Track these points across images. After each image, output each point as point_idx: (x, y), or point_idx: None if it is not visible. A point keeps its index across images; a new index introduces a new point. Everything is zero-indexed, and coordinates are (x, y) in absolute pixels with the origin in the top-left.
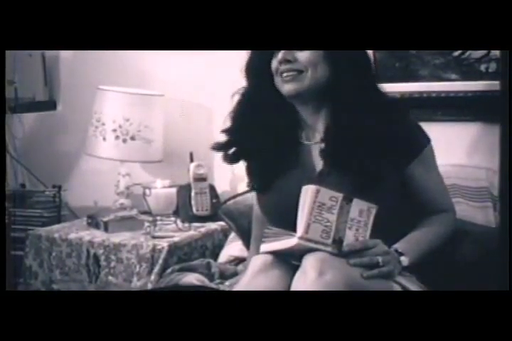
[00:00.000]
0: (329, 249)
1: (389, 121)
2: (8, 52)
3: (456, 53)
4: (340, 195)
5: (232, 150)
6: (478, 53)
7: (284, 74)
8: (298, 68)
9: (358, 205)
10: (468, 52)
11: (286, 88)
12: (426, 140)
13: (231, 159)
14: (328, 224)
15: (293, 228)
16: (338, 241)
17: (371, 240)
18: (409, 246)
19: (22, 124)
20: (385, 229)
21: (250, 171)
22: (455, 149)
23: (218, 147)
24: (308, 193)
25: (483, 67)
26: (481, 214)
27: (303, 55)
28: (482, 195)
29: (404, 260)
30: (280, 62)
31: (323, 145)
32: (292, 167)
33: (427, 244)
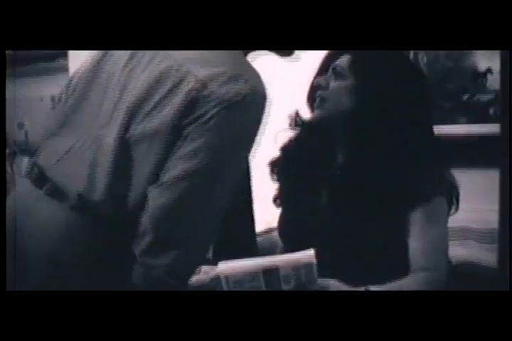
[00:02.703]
0: None
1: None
2: (17, 96)
3: (465, 97)
4: (259, 271)
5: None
6: (487, 97)
7: (316, 100)
8: (324, 96)
9: (288, 266)
10: (476, 96)
11: (313, 113)
12: (441, 190)
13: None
14: (256, 288)
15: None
16: None
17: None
18: None
19: None
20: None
21: (280, 189)
22: (467, 192)
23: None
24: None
25: (491, 111)
26: (488, 255)
27: (333, 84)
28: (490, 237)
29: None
30: (316, 88)
31: (336, 176)
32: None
33: None
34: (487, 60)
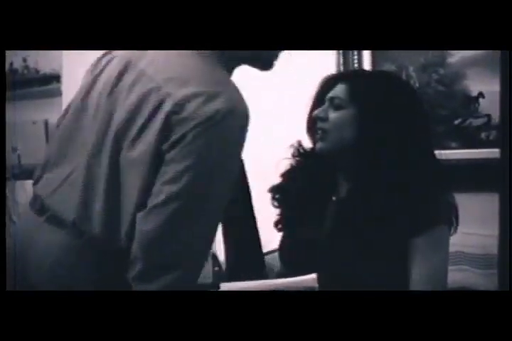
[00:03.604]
0: None
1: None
2: (11, 120)
3: (457, 121)
4: None
5: (279, 196)
6: (479, 121)
7: (317, 132)
8: (325, 127)
9: (290, 289)
10: (468, 121)
11: (316, 146)
12: (444, 219)
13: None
14: None
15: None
16: None
17: None
18: None
19: (25, 190)
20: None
21: (281, 215)
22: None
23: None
24: None
25: (483, 135)
26: (487, 281)
27: (333, 115)
28: (489, 263)
29: None
30: (315, 119)
31: (338, 203)
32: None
33: None
34: (479, 84)
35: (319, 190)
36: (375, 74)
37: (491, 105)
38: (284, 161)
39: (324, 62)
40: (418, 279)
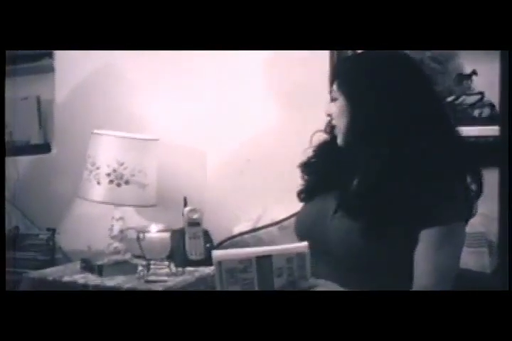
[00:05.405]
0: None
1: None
2: (3, 96)
3: (450, 99)
4: (253, 257)
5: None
6: (472, 99)
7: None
8: (332, 122)
9: (281, 256)
10: (462, 98)
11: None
12: (460, 216)
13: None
14: (248, 281)
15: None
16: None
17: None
18: None
19: (16, 167)
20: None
21: (306, 185)
22: None
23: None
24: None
25: (476, 113)
26: (476, 259)
27: (333, 109)
28: (478, 241)
29: None
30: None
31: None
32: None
33: None
34: (472, 62)
35: (343, 169)
36: (368, 56)
37: (484, 82)
38: (317, 135)
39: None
40: (422, 272)
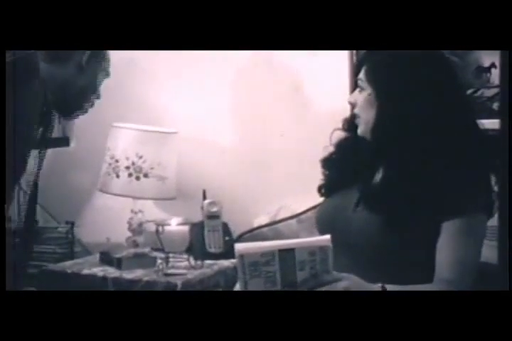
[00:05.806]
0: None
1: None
2: (4, 96)
3: (469, 92)
4: (275, 250)
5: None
6: (491, 91)
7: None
8: (356, 112)
9: (304, 250)
10: (480, 91)
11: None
12: (481, 207)
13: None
14: (270, 274)
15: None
16: (289, 285)
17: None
18: None
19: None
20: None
21: (326, 180)
22: None
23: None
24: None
25: (495, 106)
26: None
27: (359, 98)
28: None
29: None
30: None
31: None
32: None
33: None
34: (491, 55)
35: (364, 162)
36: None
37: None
38: (336, 132)
39: None
40: (444, 264)
